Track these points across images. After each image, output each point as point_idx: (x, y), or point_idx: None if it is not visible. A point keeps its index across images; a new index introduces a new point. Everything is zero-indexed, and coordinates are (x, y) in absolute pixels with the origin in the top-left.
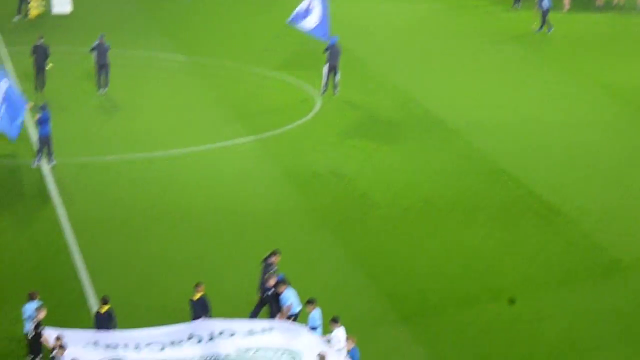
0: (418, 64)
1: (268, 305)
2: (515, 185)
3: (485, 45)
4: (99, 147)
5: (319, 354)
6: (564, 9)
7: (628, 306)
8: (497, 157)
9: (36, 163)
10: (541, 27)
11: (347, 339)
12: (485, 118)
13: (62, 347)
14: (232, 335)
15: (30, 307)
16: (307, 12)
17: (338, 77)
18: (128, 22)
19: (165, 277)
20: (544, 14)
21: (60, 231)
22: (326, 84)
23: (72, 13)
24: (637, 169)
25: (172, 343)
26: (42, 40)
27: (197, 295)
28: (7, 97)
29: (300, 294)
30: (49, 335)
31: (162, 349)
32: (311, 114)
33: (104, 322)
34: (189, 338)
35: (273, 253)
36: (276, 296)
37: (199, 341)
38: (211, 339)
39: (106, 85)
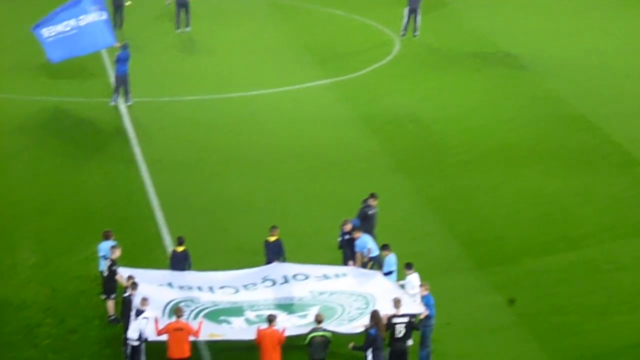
0: (499, 7)
1: (342, 250)
2: (595, 132)
3: None
4: (176, 87)
5: (393, 299)
6: None
7: None
8: (577, 103)
9: (113, 102)
10: None
11: (421, 285)
12: (567, 63)
13: (134, 286)
14: (306, 278)
15: (105, 246)
16: None
17: (419, 19)
18: None
19: (240, 218)
20: None
21: (136, 170)
22: (406, 26)
23: None
24: None
25: (246, 286)
26: None
27: (273, 238)
28: (89, 27)
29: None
30: (123, 274)
31: (236, 291)
32: (389, 57)
33: (179, 262)
34: (263, 281)
35: (372, 196)
36: (351, 241)
37: (273, 284)
38: (285, 282)
39: (187, 25)
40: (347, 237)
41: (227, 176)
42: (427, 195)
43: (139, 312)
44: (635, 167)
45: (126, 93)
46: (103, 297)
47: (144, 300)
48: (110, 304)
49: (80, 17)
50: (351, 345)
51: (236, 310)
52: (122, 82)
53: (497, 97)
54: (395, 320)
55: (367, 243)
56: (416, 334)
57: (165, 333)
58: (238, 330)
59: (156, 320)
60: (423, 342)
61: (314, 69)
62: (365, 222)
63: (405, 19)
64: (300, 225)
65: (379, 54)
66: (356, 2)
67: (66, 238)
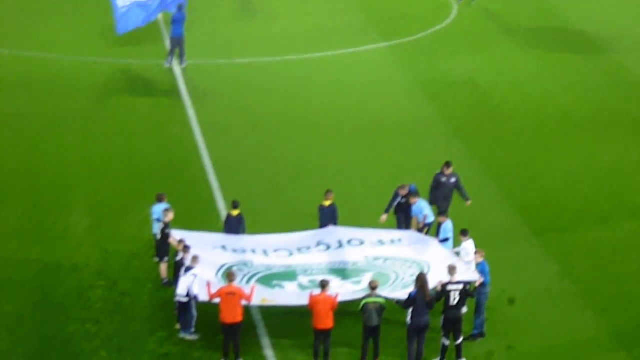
0: None
1: (396, 214)
2: None
3: None
4: (232, 49)
5: (448, 266)
6: None
7: None
8: (637, 71)
9: (168, 64)
10: None
11: (476, 252)
12: (628, 31)
13: (187, 249)
14: (360, 244)
15: (158, 209)
16: None
17: None
18: None
19: (294, 182)
20: None
21: (190, 133)
22: None
23: None
24: None
25: (300, 249)
26: None
27: (327, 203)
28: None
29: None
30: (176, 237)
31: (290, 254)
32: (447, 22)
33: (233, 226)
34: (317, 245)
35: (446, 164)
36: (407, 206)
37: (327, 248)
38: (339, 246)
39: None
40: (402, 201)
41: (282, 140)
42: (484, 162)
43: (188, 269)
44: None
45: (181, 55)
46: (156, 260)
47: (195, 258)
48: (163, 267)
49: None
50: (396, 300)
51: (290, 275)
52: (177, 43)
53: (557, 64)
54: (449, 287)
55: (423, 209)
56: (471, 302)
57: (217, 297)
58: (291, 295)
59: (209, 284)
60: (478, 310)
61: (370, 32)
62: (437, 191)
63: None
64: (355, 189)
65: (437, 18)
66: None
67: (119, 201)
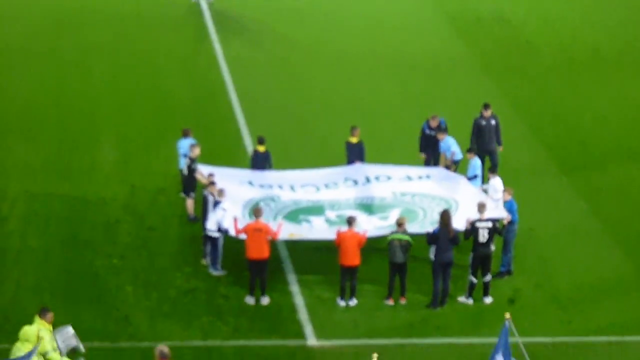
0: None
1: (424, 150)
2: None
3: None
4: None
5: (477, 204)
6: None
7: None
8: None
9: None
10: None
11: (505, 190)
12: None
13: (213, 184)
14: (388, 179)
15: (184, 144)
16: None
17: None
18: None
19: (322, 118)
20: None
21: (217, 69)
22: None
23: None
24: None
25: (327, 185)
26: None
27: (354, 139)
28: None
29: (460, 142)
30: (203, 172)
31: (317, 190)
32: None
33: (260, 162)
34: (345, 180)
35: (484, 106)
36: (435, 142)
37: (355, 184)
38: (367, 182)
39: None
40: (431, 133)
41: (309, 75)
42: (513, 99)
43: (216, 203)
44: None
45: None
46: (182, 195)
47: (221, 192)
48: (190, 203)
49: None
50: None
51: (317, 209)
52: None
53: (587, 0)
54: (478, 224)
55: (451, 146)
56: (498, 240)
57: (244, 233)
58: (318, 230)
59: (235, 220)
60: (505, 247)
61: None
62: (477, 135)
63: None
64: (382, 126)
65: None
66: None
67: (146, 136)
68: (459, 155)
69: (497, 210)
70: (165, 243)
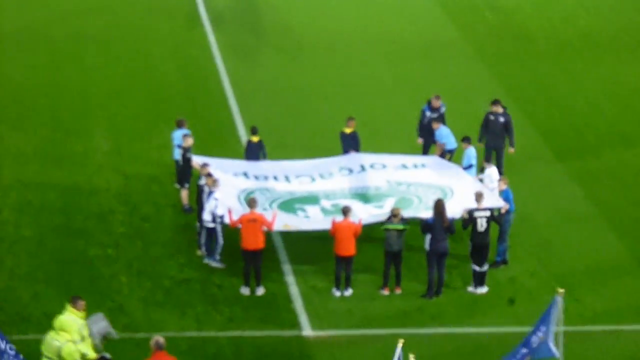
0: None
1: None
2: None
3: None
4: None
5: (475, 193)
6: None
7: None
8: None
9: None
10: None
11: (500, 179)
12: None
13: (210, 176)
14: (383, 167)
15: (178, 134)
16: None
17: None
18: None
19: (315, 107)
20: None
21: (210, 57)
22: None
23: None
24: None
25: (322, 175)
26: None
27: (349, 130)
28: None
29: (453, 129)
30: (199, 161)
31: (312, 180)
32: None
33: (254, 152)
34: (340, 170)
35: (494, 102)
36: (430, 132)
37: (350, 172)
38: (362, 170)
39: None
40: (433, 115)
41: (302, 63)
42: (505, 85)
43: (210, 194)
44: None
45: None
46: (177, 186)
47: (214, 182)
48: (184, 194)
49: None
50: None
51: (312, 199)
52: None
53: None
54: (476, 214)
55: (444, 136)
56: (494, 230)
57: (239, 224)
58: (313, 220)
59: (230, 211)
60: (501, 237)
61: None
62: (486, 130)
63: None
64: (376, 113)
65: None
66: None
67: (138, 124)
68: (452, 145)
69: (494, 200)
70: (159, 232)
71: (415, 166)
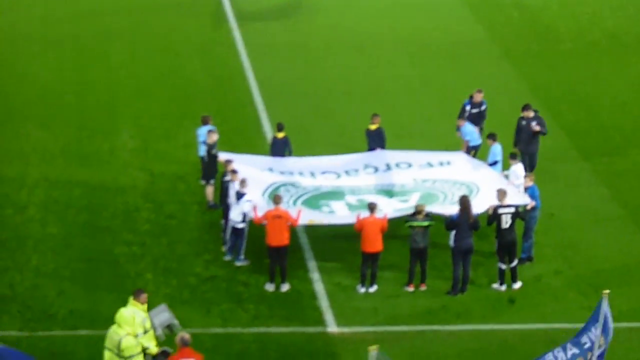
0: None
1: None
2: None
3: None
4: None
5: (499, 190)
6: None
7: None
8: None
9: None
10: None
11: (526, 176)
12: None
13: (235, 172)
14: (409, 166)
15: (203, 131)
16: None
17: None
18: None
19: (341, 104)
20: None
21: (235, 55)
22: None
23: None
24: None
25: (347, 172)
26: None
27: (374, 126)
28: None
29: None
30: (224, 158)
31: (338, 177)
32: None
33: (279, 148)
34: (365, 167)
35: (525, 107)
36: (477, 120)
37: (375, 171)
38: (387, 169)
39: None
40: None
41: (328, 61)
42: (532, 84)
43: (240, 195)
44: None
45: None
46: (202, 182)
47: (243, 182)
48: (209, 190)
49: None
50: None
51: (337, 195)
52: None
53: None
54: (501, 210)
55: (468, 134)
56: (519, 226)
57: (264, 221)
58: (338, 215)
59: (255, 208)
60: (526, 234)
61: None
62: (518, 135)
63: None
64: (402, 112)
65: None
66: None
67: (165, 123)
68: (476, 141)
69: (519, 196)
70: (185, 230)
71: (441, 164)
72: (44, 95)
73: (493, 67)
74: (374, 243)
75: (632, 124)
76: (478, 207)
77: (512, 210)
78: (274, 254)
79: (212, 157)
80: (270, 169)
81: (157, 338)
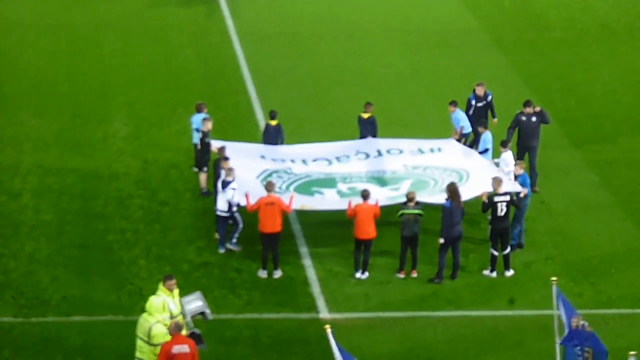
0: None
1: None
2: None
3: None
4: None
5: (494, 178)
6: None
7: None
8: None
9: None
10: None
11: (516, 164)
12: None
13: (226, 160)
14: (400, 153)
15: (197, 119)
16: None
17: None
18: None
19: (333, 93)
20: None
21: (228, 43)
22: None
23: None
24: None
25: (339, 158)
26: None
27: (366, 115)
28: None
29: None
30: (216, 146)
31: (329, 164)
32: None
33: (272, 136)
34: (356, 154)
35: (525, 103)
36: (484, 114)
37: (366, 157)
38: (379, 155)
39: None
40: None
41: (320, 50)
42: (523, 72)
43: (225, 184)
44: None
45: None
46: (195, 170)
47: (229, 171)
48: (202, 177)
49: None
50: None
51: (329, 182)
52: None
53: None
54: (496, 199)
55: (460, 120)
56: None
57: (257, 208)
58: (329, 201)
59: (247, 195)
60: (516, 219)
61: None
62: (519, 130)
63: None
64: (394, 100)
65: None
66: None
67: (157, 110)
68: (467, 129)
69: (511, 184)
70: (178, 217)
71: (432, 150)
72: (37, 84)
73: (484, 56)
74: (367, 230)
75: (622, 112)
76: (467, 193)
77: (507, 198)
78: (267, 240)
79: (205, 145)
80: (263, 157)
81: (186, 324)
